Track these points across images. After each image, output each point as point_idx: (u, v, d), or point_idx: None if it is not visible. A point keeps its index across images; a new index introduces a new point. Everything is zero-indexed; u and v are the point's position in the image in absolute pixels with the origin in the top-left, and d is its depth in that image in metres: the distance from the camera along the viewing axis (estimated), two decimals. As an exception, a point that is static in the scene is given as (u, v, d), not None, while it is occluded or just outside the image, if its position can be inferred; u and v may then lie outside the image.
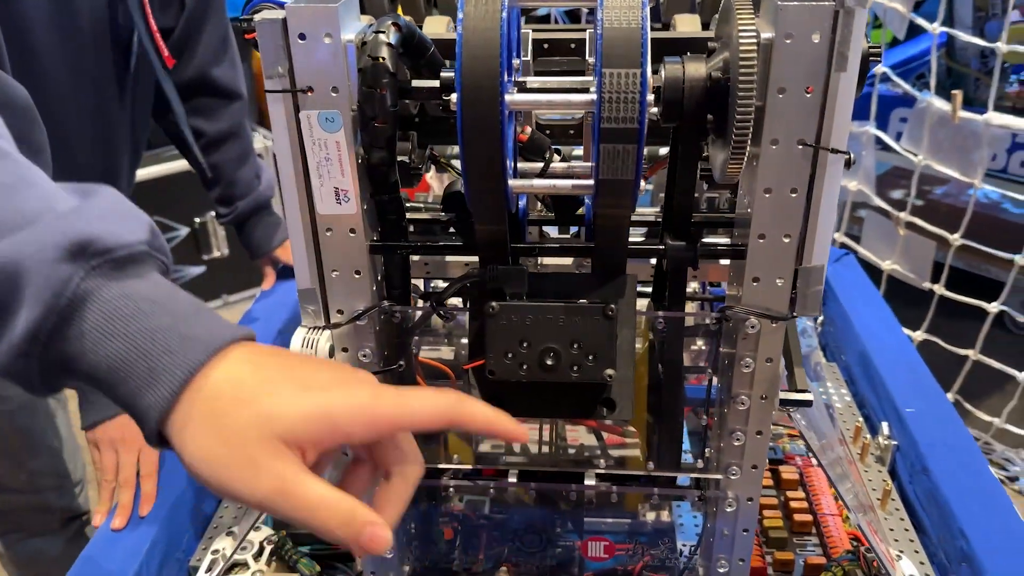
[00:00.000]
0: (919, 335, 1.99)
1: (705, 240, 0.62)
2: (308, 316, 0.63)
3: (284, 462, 0.40)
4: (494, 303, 0.57)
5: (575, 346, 0.57)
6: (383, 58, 0.54)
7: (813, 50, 0.52)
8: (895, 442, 1.02)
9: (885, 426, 1.04)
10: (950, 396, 1.99)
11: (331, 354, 0.63)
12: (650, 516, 0.77)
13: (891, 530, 0.92)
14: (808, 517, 0.94)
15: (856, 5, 0.51)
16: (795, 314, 0.60)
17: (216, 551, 0.88)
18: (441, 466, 0.70)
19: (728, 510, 0.69)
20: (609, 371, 0.57)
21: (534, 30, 0.67)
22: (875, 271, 1.91)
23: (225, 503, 1.00)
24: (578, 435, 0.87)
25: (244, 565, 0.89)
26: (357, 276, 0.62)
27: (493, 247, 0.58)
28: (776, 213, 0.57)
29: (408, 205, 0.64)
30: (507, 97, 0.50)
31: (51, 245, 0.40)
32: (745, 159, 0.54)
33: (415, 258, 0.79)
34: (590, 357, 0.57)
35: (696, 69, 0.54)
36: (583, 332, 0.57)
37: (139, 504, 0.93)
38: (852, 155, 0.66)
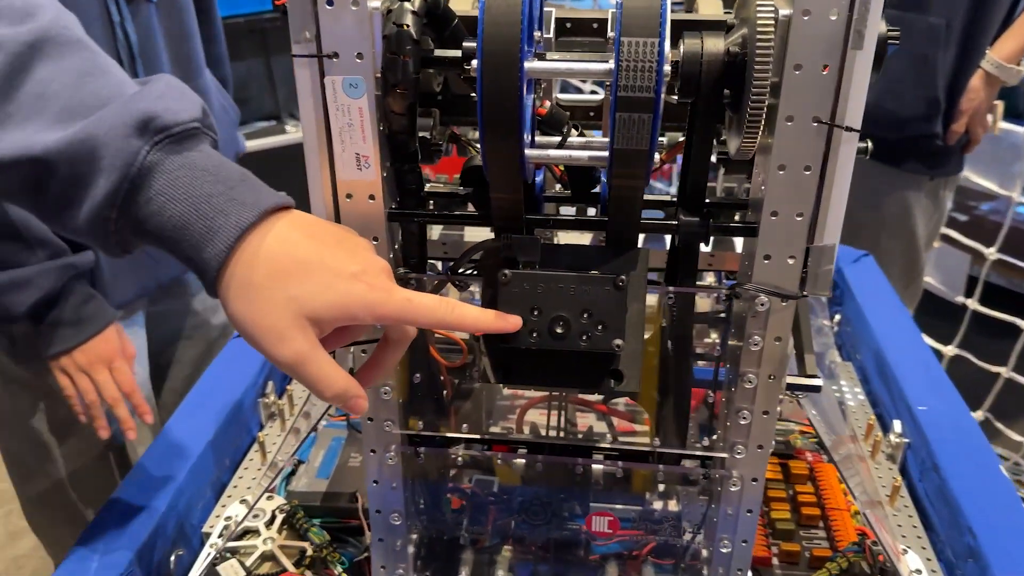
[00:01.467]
0: (950, 350, 1.97)
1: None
2: (326, 280, 0.64)
3: (304, 338, 0.48)
4: (507, 271, 0.58)
5: (585, 315, 0.58)
6: (407, 25, 0.55)
7: (830, 27, 0.53)
8: (907, 440, 1.02)
9: (897, 424, 1.04)
10: (980, 414, 1.96)
11: (347, 318, 0.64)
12: (657, 504, 0.78)
13: (899, 526, 0.92)
14: (816, 511, 0.95)
15: (878, -22, 0.52)
16: (805, 293, 0.61)
17: (229, 517, 0.90)
18: (451, 435, 0.71)
19: (732, 489, 0.69)
20: (617, 340, 0.58)
21: (557, 8, 0.68)
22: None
23: (239, 473, 1.02)
24: (589, 421, 0.88)
25: (255, 532, 0.91)
26: (375, 243, 0.63)
27: (508, 216, 0.59)
28: (789, 190, 0.58)
29: (428, 182, 0.65)
30: (526, 64, 0.52)
31: (121, 124, 0.48)
32: (759, 135, 0.54)
33: (433, 237, 0.80)
34: (600, 326, 0.58)
35: (714, 44, 0.55)
36: (593, 301, 0.58)
37: (140, 416, 0.96)
38: (869, 144, 0.67)
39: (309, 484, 0.99)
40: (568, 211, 0.77)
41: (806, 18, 0.52)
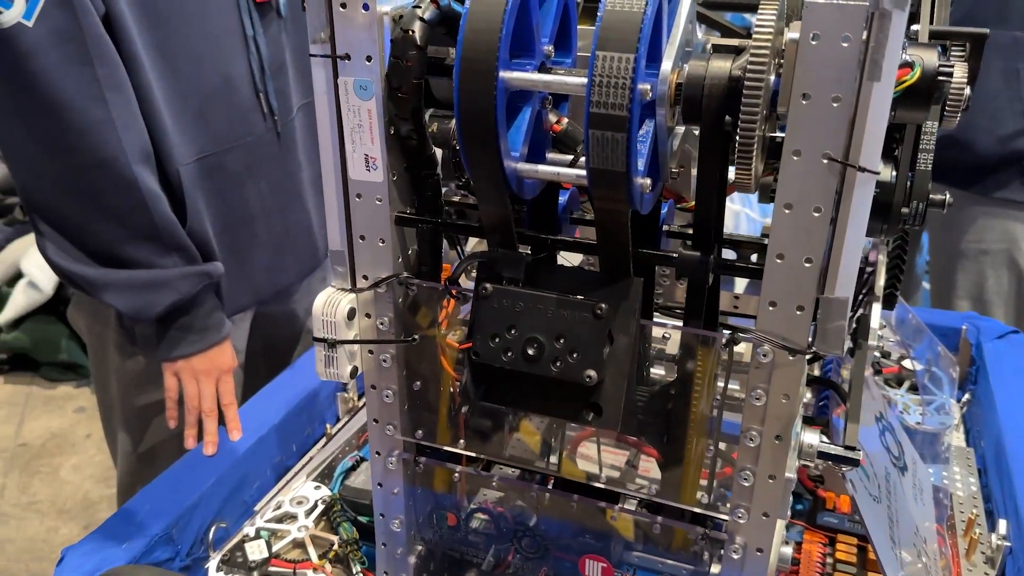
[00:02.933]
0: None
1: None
2: (337, 277, 0.66)
3: None
4: (488, 284, 0.57)
5: (560, 340, 0.55)
6: (412, 31, 0.55)
7: (842, 54, 0.47)
8: (1009, 543, 0.89)
9: (1003, 524, 0.90)
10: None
11: (350, 317, 0.65)
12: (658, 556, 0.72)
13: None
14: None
15: (893, 7, 0.46)
16: (813, 349, 0.55)
17: (280, 501, 0.94)
18: (447, 448, 0.70)
19: (733, 557, 0.63)
20: (590, 372, 0.54)
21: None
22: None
23: (304, 460, 1.06)
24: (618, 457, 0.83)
25: (294, 517, 0.94)
26: (382, 244, 0.64)
27: (497, 230, 0.58)
28: (796, 232, 0.52)
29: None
30: (503, 74, 0.50)
31: None
32: (752, 169, 0.50)
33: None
34: (574, 354, 0.55)
35: (719, 67, 0.51)
36: (569, 327, 0.55)
37: (229, 431, 1.01)
38: (948, 197, 0.59)
39: (364, 482, 1.01)
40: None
41: (814, 43, 0.47)
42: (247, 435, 1.01)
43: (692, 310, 0.59)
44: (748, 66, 0.47)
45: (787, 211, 0.52)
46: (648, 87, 0.48)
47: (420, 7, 0.56)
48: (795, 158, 0.50)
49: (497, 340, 0.56)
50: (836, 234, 0.51)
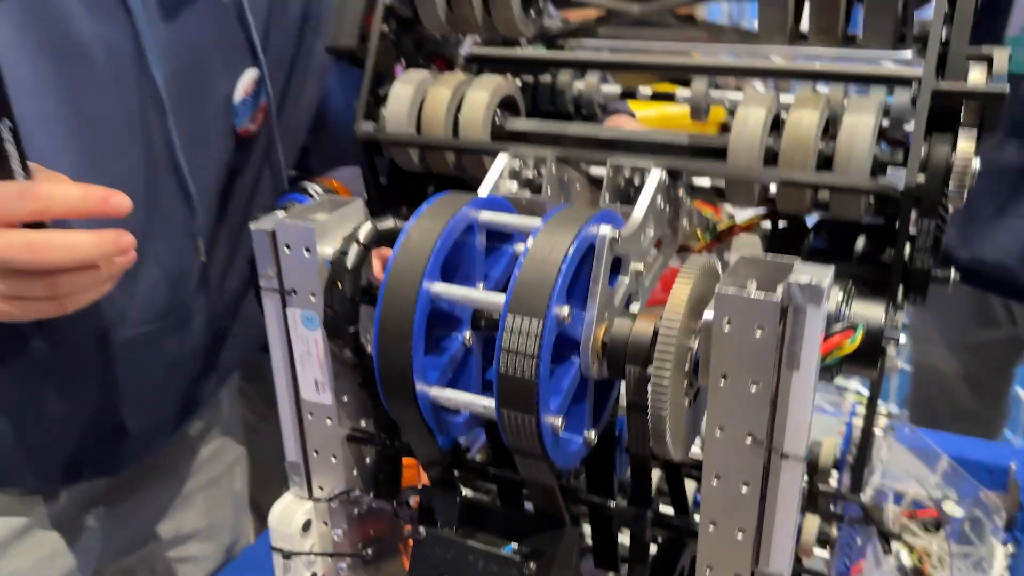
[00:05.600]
0: None
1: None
2: (295, 485, 0.67)
3: None
4: (423, 528, 0.56)
5: (488, 595, 0.54)
6: (346, 254, 0.56)
7: (757, 344, 0.45)
8: None
9: None
10: None
11: (305, 528, 0.66)
12: None
13: None
14: None
15: (807, 303, 0.43)
16: (753, 620, 0.52)
17: None
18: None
19: None
20: (516, 635, 0.53)
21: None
22: None
23: None
24: None
25: None
26: (334, 460, 0.64)
27: (430, 467, 0.57)
28: (726, 504, 0.50)
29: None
30: (426, 285, 0.50)
31: None
32: (668, 440, 0.48)
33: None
34: (501, 611, 0.54)
35: (643, 327, 0.50)
36: (496, 583, 0.54)
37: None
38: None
39: None
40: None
41: (727, 328, 0.45)
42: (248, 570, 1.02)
43: (634, 557, 0.57)
44: (659, 339, 0.46)
45: (715, 481, 0.50)
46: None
47: (358, 231, 0.57)
48: (719, 432, 0.48)
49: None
50: (766, 511, 0.49)
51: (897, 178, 0.55)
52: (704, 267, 0.49)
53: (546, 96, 0.79)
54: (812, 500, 0.78)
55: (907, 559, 1.02)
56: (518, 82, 0.77)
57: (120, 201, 0.61)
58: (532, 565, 0.53)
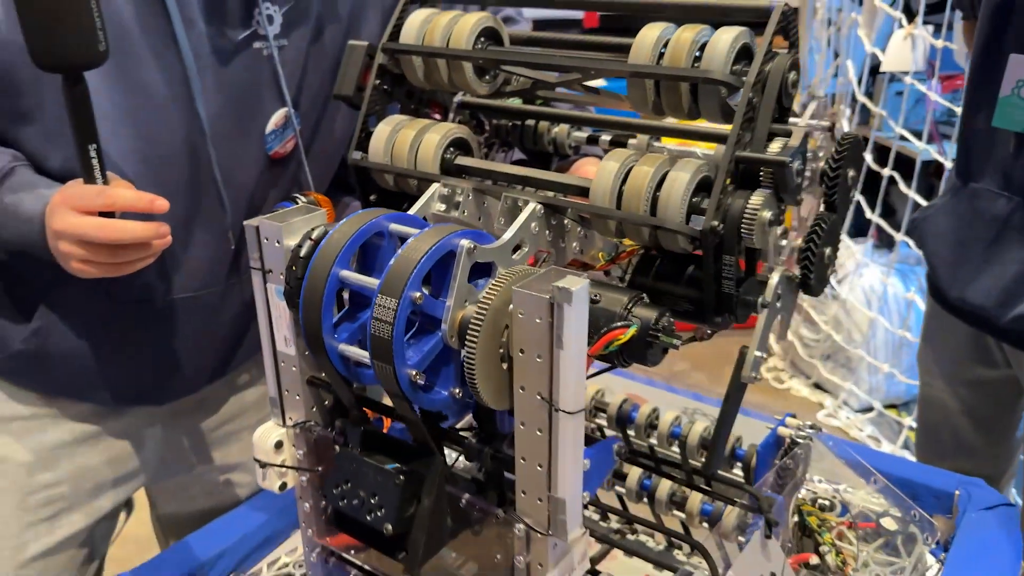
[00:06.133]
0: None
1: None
2: (273, 415, 0.90)
3: None
4: (338, 447, 0.78)
5: (374, 497, 0.75)
6: (301, 246, 0.78)
7: (538, 328, 0.64)
8: None
9: None
10: None
11: (277, 447, 0.89)
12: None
13: None
14: None
15: (563, 302, 0.62)
16: (550, 532, 0.70)
17: (283, 559, 1.19)
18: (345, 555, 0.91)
19: None
20: (388, 525, 0.74)
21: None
22: None
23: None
24: None
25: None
26: (298, 398, 0.87)
27: (349, 407, 0.79)
28: (529, 444, 0.69)
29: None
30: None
31: None
32: (480, 392, 0.68)
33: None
34: (380, 510, 0.75)
35: (471, 311, 0.69)
36: (380, 489, 0.75)
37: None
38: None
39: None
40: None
41: (521, 316, 0.65)
42: (277, 499, 1.28)
43: (487, 485, 0.76)
44: (467, 325, 0.66)
45: (522, 427, 0.69)
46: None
47: (314, 230, 0.79)
48: (521, 391, 0.68)
49: (338, 489, 0.78)
50: (553, 450, 0.68)
51: (699, 222, 0.72)
52: (519, 273, 0.69)
53: (529, 138, 1.00)
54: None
55: (832, 560, 1.16)
56: (510, 124, 0.98)
57: (162, 204, 0.88)
58: (402, 478, 0.74)
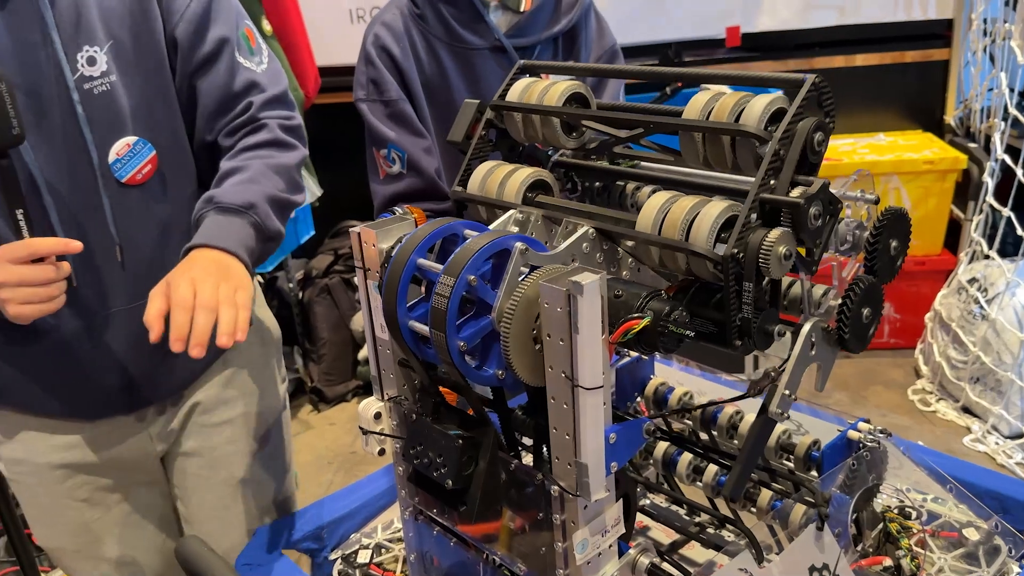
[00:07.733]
0: None
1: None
2: (375, 391, 1.08)
3: None
4: (414, 416, 0.94)
5: (439, 457, 0.91)
6: (392, 248, 0.95)
7: (560, 316, 0.77)
8: None
9: None
10: None
11: (376, 417, 1.06)
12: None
13: None
14: None
15: (577, 293, 0.75)
16: (578, 493, 0.83)
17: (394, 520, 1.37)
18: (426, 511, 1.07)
19: None
20: (448, 481, 0.89)
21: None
22: None
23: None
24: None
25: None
26: (392, 376, 1.04)
27: (421, 382, 0.95)
28: (559, 416, 0.82)
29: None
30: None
31: None
32: (515, 369, 0.81)
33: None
34: (443, 468, 0.90)
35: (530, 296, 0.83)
36: (443, 449, 0.90)
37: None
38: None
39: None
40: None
41: (547, 305, 0.78)
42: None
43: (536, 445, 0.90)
44: (504, 312, 0.80)
45: (552, 400, 0.82)
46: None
47: (404, 236, 0.96)
48: (550, 370, 0.81)
49: (414, 450, 0.94)
50: (576, 422, 0.80)
51: (722, 248, 0.83)
52: (551, 271, 0.82)
53: (615, 199, 1.13)
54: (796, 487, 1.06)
55: (907, 565, 1.20)
56: (599, 185, 1.12)
57: (76, 245, 1.16)
58: (460, 441, 0.89)
